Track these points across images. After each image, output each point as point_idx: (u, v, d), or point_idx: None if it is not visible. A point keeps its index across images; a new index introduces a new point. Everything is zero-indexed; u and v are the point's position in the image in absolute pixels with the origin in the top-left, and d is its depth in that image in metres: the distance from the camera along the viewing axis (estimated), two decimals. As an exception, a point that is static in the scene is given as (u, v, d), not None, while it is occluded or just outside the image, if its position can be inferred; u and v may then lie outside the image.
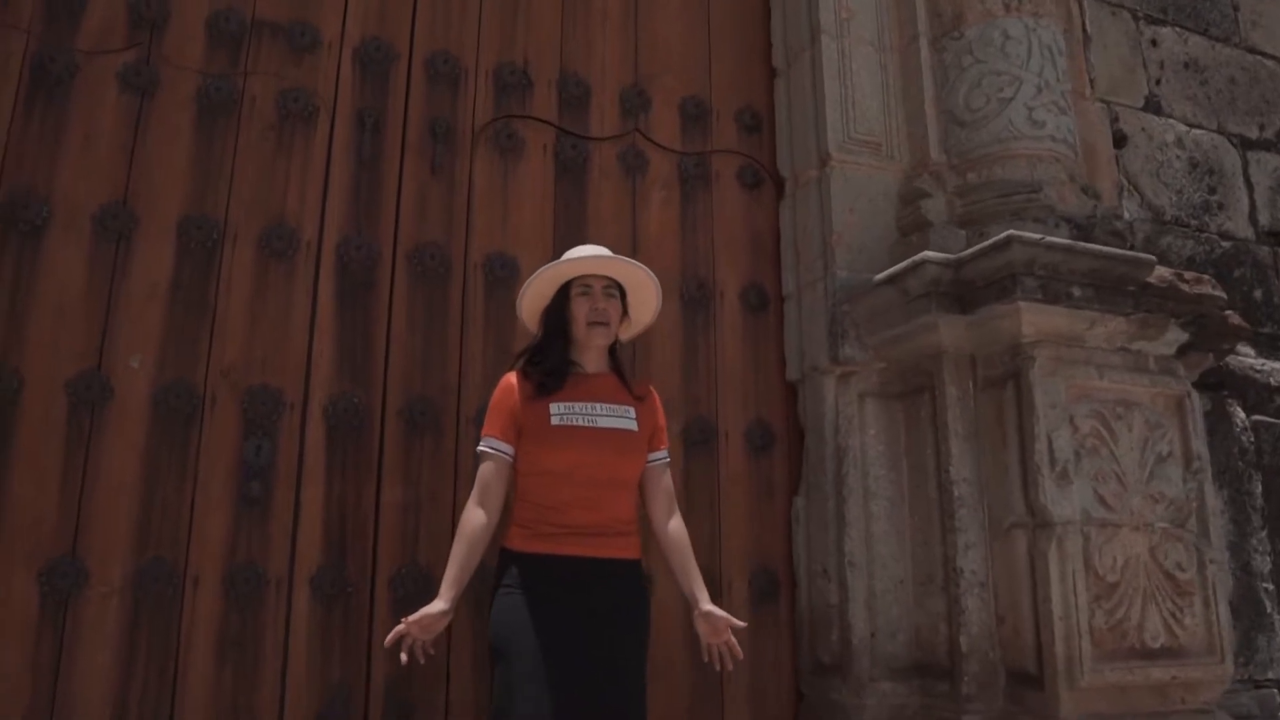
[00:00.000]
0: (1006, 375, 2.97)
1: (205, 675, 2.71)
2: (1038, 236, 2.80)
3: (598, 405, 2.42)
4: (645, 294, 2.61)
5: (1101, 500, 2.88)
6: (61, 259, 2.80)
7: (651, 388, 2.63)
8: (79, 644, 2.62)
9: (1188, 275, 3.07)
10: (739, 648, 2.41)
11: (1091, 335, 2.98)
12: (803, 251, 3.47)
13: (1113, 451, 2.93)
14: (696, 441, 3.36)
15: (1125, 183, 3.75)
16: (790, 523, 3.38)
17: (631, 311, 2.61)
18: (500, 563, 2.38)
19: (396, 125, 3.24)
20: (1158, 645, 2.83)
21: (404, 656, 2.25)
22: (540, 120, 3.45)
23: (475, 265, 3.23)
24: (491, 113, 3.39)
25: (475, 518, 2.36)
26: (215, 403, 2.86)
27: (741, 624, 2.42)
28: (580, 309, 2.47)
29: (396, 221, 3.17)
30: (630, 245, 3.45)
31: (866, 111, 3.46)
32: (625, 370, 2.60)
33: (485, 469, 2.39)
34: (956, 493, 2.98)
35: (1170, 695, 2.86)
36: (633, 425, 2.44)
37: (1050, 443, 2.84)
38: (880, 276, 3.09)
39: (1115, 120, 3.82)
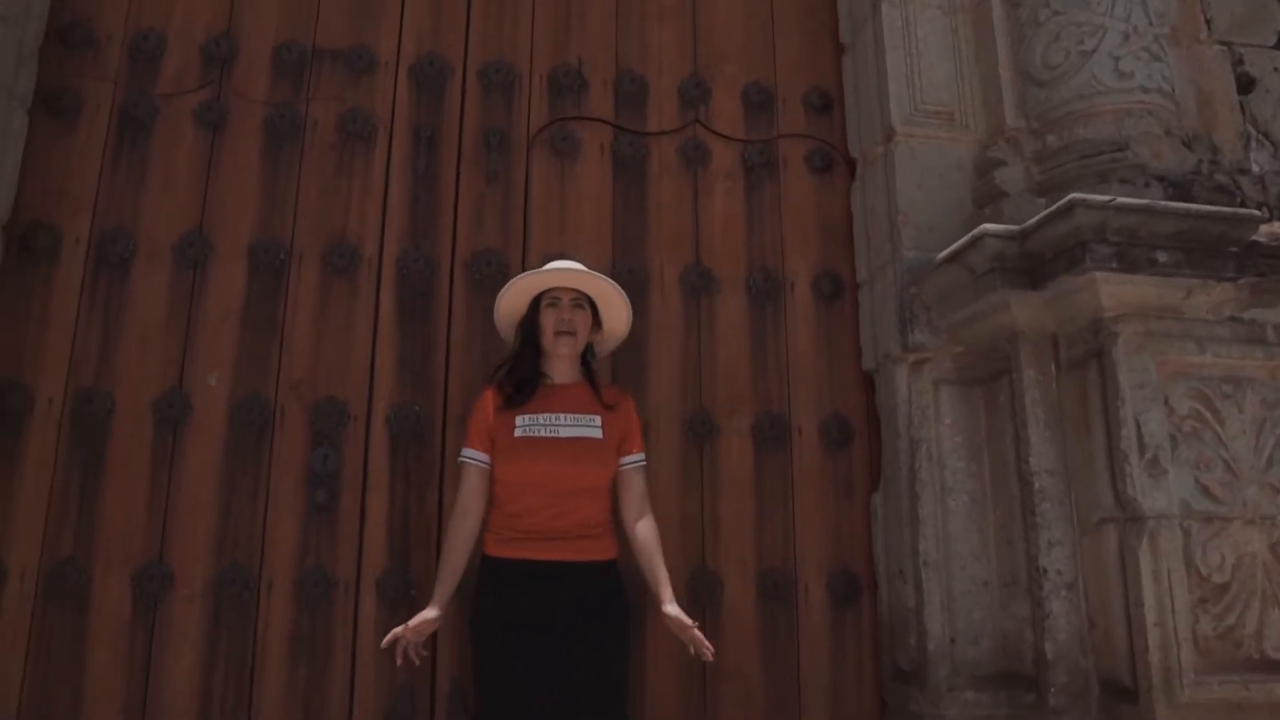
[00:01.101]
0: (1089, 355, 2.70)
1: (280, 674, 2.85)
2: (1106, 198, 2.52)
3: (562, 416, 2.53)
4: (614, 308, 2.70)
5: (1205, 491, 2.56)
6: (145, 288, 3.03)
7: (626, 395, 2.72)
8: (167, 644, 2.81)
9: (1310, 231, 2.68)
10: (706, 643, 2.48)
11: (1190, 305, 2.65)
12: (872, 234, 3.28)
13: (1219, 435, 2.60)
14: (767, 438, 3.24)
15: (1253, 131, 3.32)
16: (870, 521, 3.20)
17: (605, 324, 2.72)
18: (480, 566, 2.54)
19: (452, 138, 3.31)
20: (1281, 657, 2.49)
21: (399, 659, 2.42)
22: (596, 120, 3.43)
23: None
24: (546, 117, 3.40)
25: (456, 525, 2.54)
26: (285, 415, 3.01)
27: (691, 622, 2.48)
28: (548, 320, 2.60)
29: (454, 232, 3.23)
30: (693, 239, 3.38)
31: (935, 80, 3.23)
32: (598, 379, 2.70)
33: (465, 479, 2.56)
34: (1037, 485, 2.72)
35: (1299, 714, 2.50)
36: (597, 433, 2.54)
37: (1138, 427, 2.55)
38: (943, 254, 2.88)
39: (1239, 63, 3.38)
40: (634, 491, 2.62)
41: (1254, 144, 3.32)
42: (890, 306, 3.11)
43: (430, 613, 2.45)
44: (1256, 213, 2.62)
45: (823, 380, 3.33)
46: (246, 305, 3.07)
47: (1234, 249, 2.60)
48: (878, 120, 3.27)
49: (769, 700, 3.06)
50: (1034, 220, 2.64)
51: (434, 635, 2.89)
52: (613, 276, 3.25)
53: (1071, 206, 2.50)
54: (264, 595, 2.89)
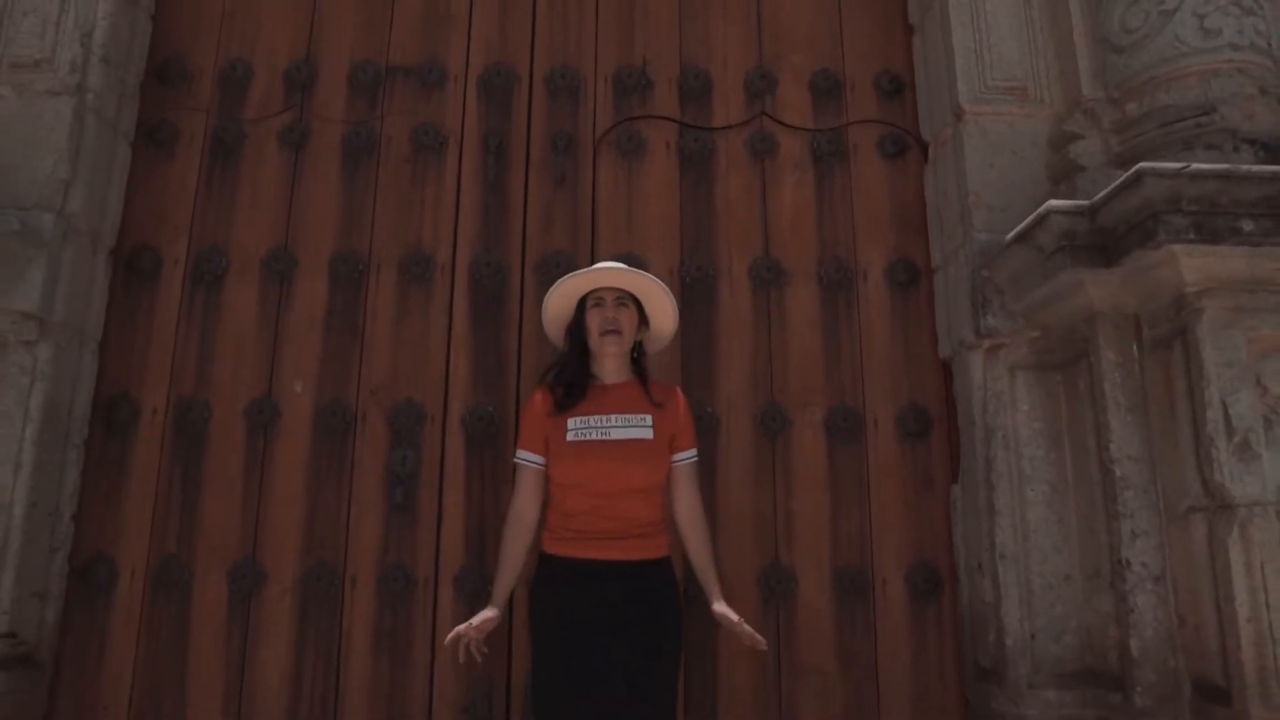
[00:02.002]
0: (1173, 334, 2.53)
1: (364, 666, 2.98)
2: (1178, 165, 2.35)
3: (613, 417, 2.52)
4: (659, 303, 2.67)
5: (1306, 475, 2.36)
6: (237, 302, 3.22)
7: (676, 390, 2.68)
8: (260, 635, 2.99)
9: None
10: (756, 635, 2.45)
11: (1286, 276, 2.45)
12: (945, 218, 3.18)
13: (1320, 415, 2.39)
14: (840, 430, 3.18)
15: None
16: (950, 514, 3.09)
17: (651, 320, 2.69)
18: (537, 563, 2.56)
19: (520, 144, 3.39)
20: (1401, 657, 2.26)
21: (461, 656, 2.45)
22: (661, 118, 3.44)
23: (601, 269, 3.29)
24: (612, 118, 3.44)
25: (511, 527, 2.58)
26: (365, 419, 3.15)
27: (737, 618, 2.46)
28: (593, 320, 2.60)
29: (523, 236, 3.31)
30: (762, 232, 3.35)
31: (1005, 55, 3.10)
32: (649, 377, 2.68)
33: (520, 480, 2.59)
34: (1118, 473, 2.57)
35: None
36: (648, 434, 2.52)
37: (1225, 408, 2.38)
38: (1011, 235, 2.76)
39: (1359, 9, 3.10)
40: (684, 488, 2.60)
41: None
42: (963, 291, 3.00)
43: (490, 612, 2.48)
44: (1357, 172, 2.39)
45: (899, 370, 3.24)
46: (329, 315, 3.23)
47: (1333, 213, 2.39)
48: (947, 100, 3.16)
49: (847, 698, 3.00)
50: (1102, 194, 2.50)
51: (509, 629, 2.98)
52: (681, 273, 3.30)
53: (1139, 177, 2.35)
54: (348, 591, 3.02)
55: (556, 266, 3.26)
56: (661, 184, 3.39)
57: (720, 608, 2.49)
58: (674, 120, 3.44)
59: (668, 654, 2.45)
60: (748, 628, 2.46)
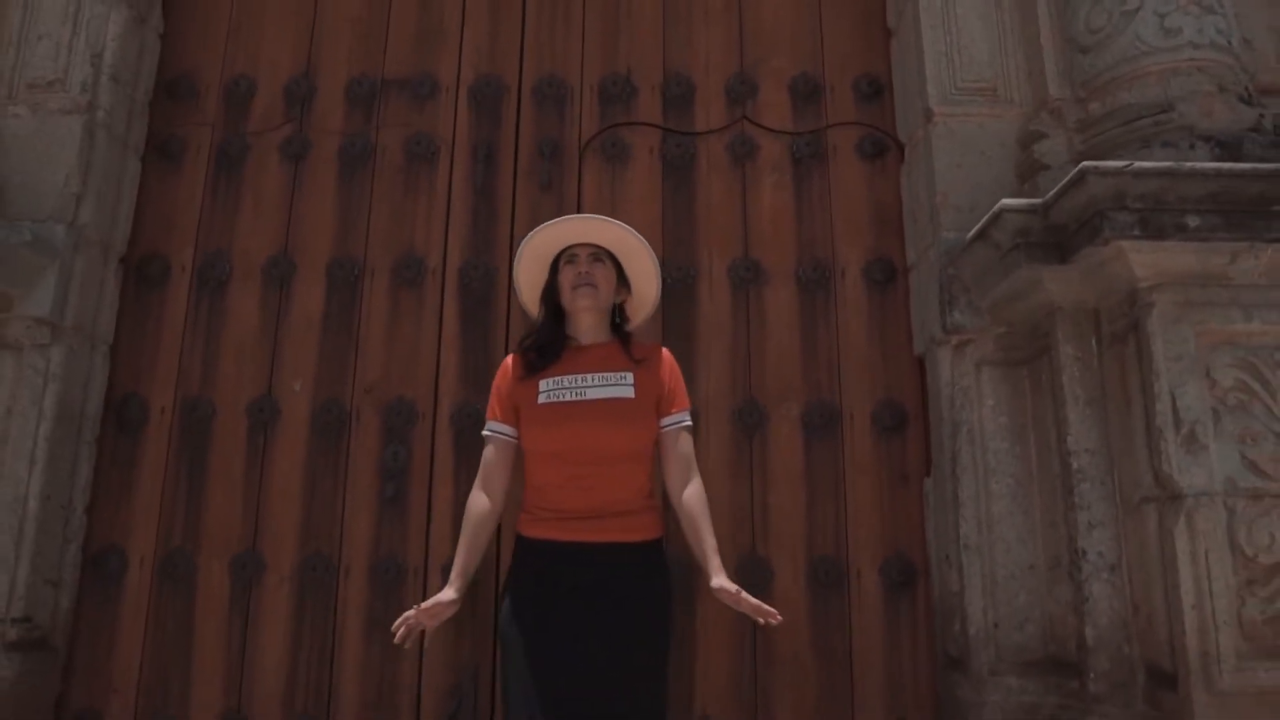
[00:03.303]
0: (1128, 328, 2.59)
1: (357, 652, 3.12)
2: (1121, 164, 2.41)
3: (589, 376, 2.31)
4: (641, 262, 2.48)
5: (1253, 466, 2.41)
6: (240, 306, 3.39)
7: (661, 348, 2.48)
8: (260, 622, 3.14)
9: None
10: (768, 609, 2.25)
11: (1238, 271, 2.49)
12: (918, 217, 3.25)
13: (1269, 407, 2.44)
14: (817, 426, 3.26)
15: (1348, 79, 3.05)
16: (923, 507, 3.16)
17: (633, 283, 2.50)
18: (514, 547, 2.39)
19: (509, 152, 3.52)
20: (1343, 643, 2.30)
21: (407, 642, 2.31)
22: (645, 124, 3.55)
23: (584, 272, 3.40)
24: (597, 125, 3.55)
25: (477, 503, 2.39)
26: (360, 416, 3.29)
27: (738, 589, 2.23)
28: (566, 277, 2.40)
29: (511, 241, 3.42)
30: (741, 233, 3.44)
31: (975, 56, 3.16)
32: (630, 337, 2.48)
33: (486, 452, 2.41)
34: (1075, 465, 2.63)
35: (1369, 705, 2.30)
36: (628, 392, 2.30)
37: (1174, 401, 2.43)
38: (971, 233, 2.82)
39: (1329, 5, 3.12)
40: (676, 455, 2.35)
41: (1348, 92, 3.05)
42: (932, 289, 3.07)
43: (445, 595, 2.29)
44: (1300, 168, 2.43)
45: (875, 367, 3.31)
46: (326, 317, 3.38)
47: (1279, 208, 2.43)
48: (919, 102, 3.23)
49: (821, 687, 3.08)
50: (1053, 192, 2.57)
51: (494, 615, 3.09)
52: (662, 273, 3.36)
53: (1083, 175, 2.42)
54: (342, 580, 3.17)
55: (543, 269, 3.39)
56: (644, 188, 3.50)
57: (720, 581, 2.25)
58: (657, 126, 3.55)
59: (650, 649, 2.23)
60: (754, 600, 2.22)
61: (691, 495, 2.36)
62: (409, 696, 3.09)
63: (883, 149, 3.50)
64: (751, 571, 3.13)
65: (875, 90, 3.55)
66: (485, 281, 3.40)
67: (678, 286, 3.37)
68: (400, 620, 2.30)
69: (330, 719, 3.07)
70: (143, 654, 3.12)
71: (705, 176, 3.51)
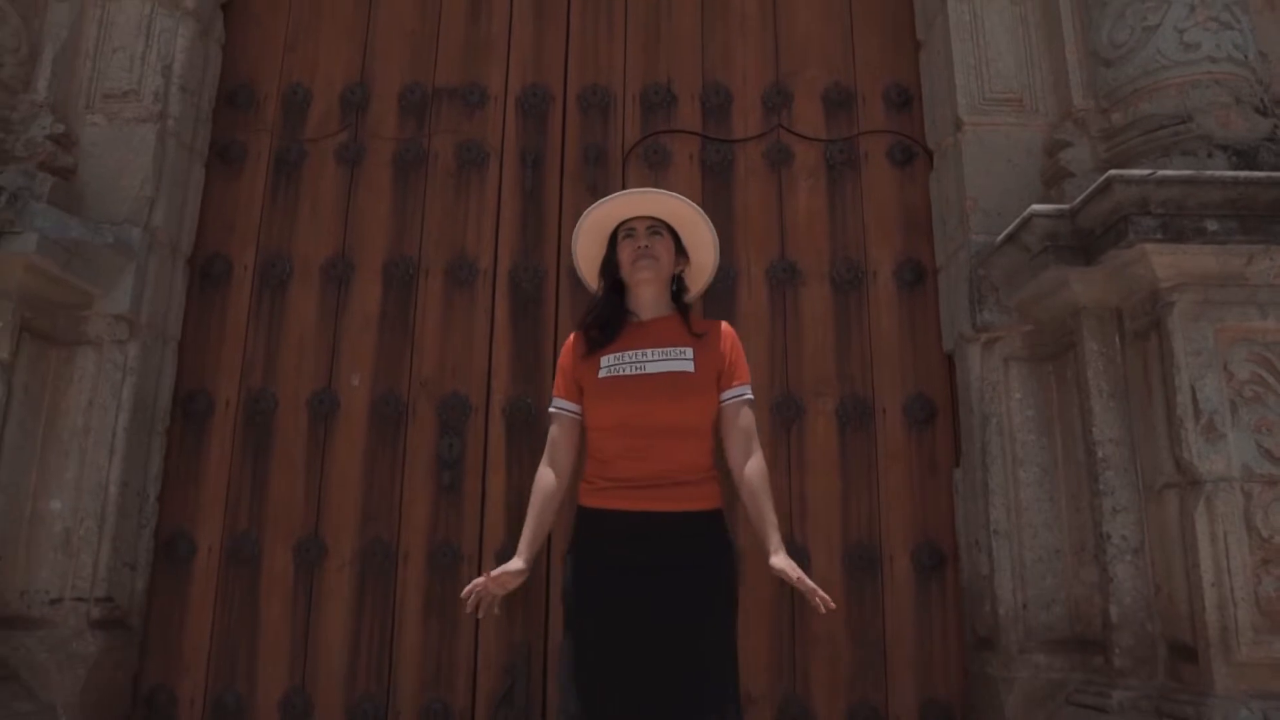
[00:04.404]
0: (1150, 326, 2.76)
1: (416, 633, 3.29)
2: (1145, 172, 2.58)
3: (649, 351, 2.31)
4: (697, 231, 2.47)
5: (1268, 454, 2.58)
6: (300, 303, 3.56)
7: (722, 324, 2.44)
8: (322, 604, 3.32)
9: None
10: (821, 592, 2.20)
11: (1254, 272, 2.66)
12: (947, 221, 3.42)
13: (1283, 399, 2.61)
14: (851, 419, 3.43)
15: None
16: (953, 495, 3.33)
17: (691, 253, 2.49)
18: (575, 518, 2.37)
19: (555, 158, 3.69)
20: (1353, 618, 2.47)
21: (480, 611, 2.29)
22: (685, 132, 3.73)
23: (628, 272, 3.57)
24: (639, 133, 3.73)
25: (543, 478, 2.40)
26: (416, 409, 3.47)
27: (799, 573, 2.19)
28: (625, 251, 2.40)
29: (559, 242, 3.60)
30: (778, 236, 3.62)
31: (1003, 68, 3.34)
32: (691, 312, 2.48)
33: (552, 429, 2.42)
34: (1100, 454, 2.80)
35: (1377, 675, 2.47)
36: (688, 366, 2.30)
37: (1194, 393, 2.60)
38: (1001, 236, 3.00)
39: (1340, 19, 3.29)
40: (737, 428, 2.33)
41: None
42: (961, 289, 3.24)
43: (513, 565, 2.27)
44: (1315, 175, 2.60)
45: (906, 363, 3.49)
46: (382, 315, 3.56)
47: (1293, 213, 2.60)
48: (948, 111, 3.41)
49: (855, 665, 3.25)
50: (1080, 199, 2.74)
51: (545, 594, 3.27)
52: (702, 275, 3.57)
53: (1109, 183, 2.59)
54: (401, 565, 3.34)
55: (588, 269, 3.56)
56: (685, 193, 3.61)
57: (779, 561, 2.23)
58: (696, 134, 3.73)
59: (721, 623, 2.20)
60: (810, 583, 2.19)
61: (753, 469, 2.33)
62: (465, 675, 3.26)
63: (912, 156, 3.67)
64: (790, 557, 3.28)
65: (905, 100, 3.72)
66: (534, 282, 3.57)
67: (718, 286, 3.51)
68: (469, 587, 2.29)
69: (390, 697, 3.25)
70: (211, 634, 3.30)
71: (743, 182, 3.68)
